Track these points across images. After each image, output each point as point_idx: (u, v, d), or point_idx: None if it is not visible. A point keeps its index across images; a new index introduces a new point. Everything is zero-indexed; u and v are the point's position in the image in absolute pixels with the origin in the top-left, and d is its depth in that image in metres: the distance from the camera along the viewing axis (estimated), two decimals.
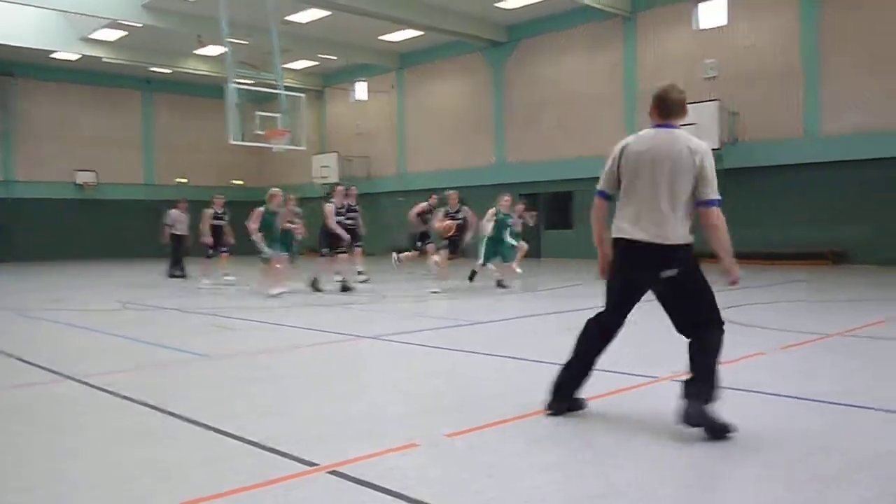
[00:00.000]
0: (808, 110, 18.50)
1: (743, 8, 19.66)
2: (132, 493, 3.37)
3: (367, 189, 27.01)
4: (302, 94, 22.15)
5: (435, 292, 12.61)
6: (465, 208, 13.90)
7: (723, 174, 17.44)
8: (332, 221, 13.14)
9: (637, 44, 21.77)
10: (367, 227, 15.52)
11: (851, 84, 17.74)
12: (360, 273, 14.61)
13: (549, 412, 4.48)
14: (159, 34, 24.62)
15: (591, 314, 4.67)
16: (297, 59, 28.95)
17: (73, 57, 27.25)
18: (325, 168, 29.58)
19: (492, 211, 13.63)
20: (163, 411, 4.79)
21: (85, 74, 29.83)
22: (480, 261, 13.52)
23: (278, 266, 12.55)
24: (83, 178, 30.23)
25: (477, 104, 26.22)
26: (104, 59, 26.90)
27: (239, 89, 18.63)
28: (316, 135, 31.50)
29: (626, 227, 4.29)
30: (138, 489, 3.41)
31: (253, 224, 12.56)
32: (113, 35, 25.43)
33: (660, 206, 4.17)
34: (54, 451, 4.03)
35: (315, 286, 13.11)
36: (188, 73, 29.36)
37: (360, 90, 30.83)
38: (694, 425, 3.98)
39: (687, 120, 17.21)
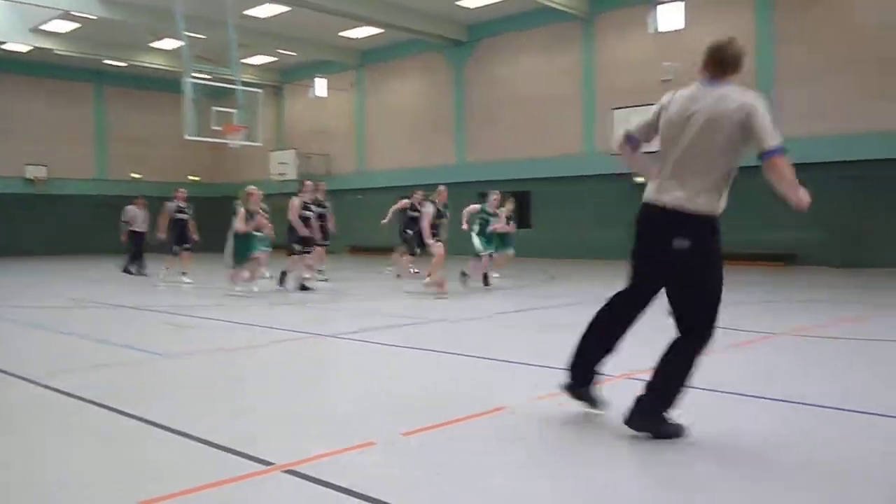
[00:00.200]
0: None
1: (700, 11, 19.95)
2: (84, 494, 3.31)
3: (326, 186, 26.81)
4: (260, 90, 21.94)
5: (424, 285, 12.41)
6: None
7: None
8: (294, 215, 12.93)
9: (595, 46, 21.99)
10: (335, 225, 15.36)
11: (806, 88, 18.12)
12: (319, 272, 14.51)
13: (567, 393, 4.39)
14: (113, 26, 24.15)
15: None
16: (255, 55, 28.64)
17: (24, 48, 26.60)
18: (283, 165, 29.32)
19: (476, 207, 13.75)
20: (116, 411, 4.71)
21: (36, 66, 29.11)
22: (481, 250, 13.34)
23: (255, 263, 12.39)
24: (33, 172, 29.52)
25: (437, 103, 26.23)
26: (56, 52, 26.30)
27: (195, 84, 18.37)
28: (274, 131, 31.22)
29: (650, 189, 4.07)
30: (90, 490, 3.35)
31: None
32: (65, 27, 24.87)
33: (688, 168, 3.89)
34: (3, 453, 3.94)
35: (303, 286, 12.81)
36: (143, 66, 28.85)
37: (320, 87, 30.59)
38: (637, 430, 3.93)
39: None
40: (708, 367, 6.07)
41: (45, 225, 29.42)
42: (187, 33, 19.08)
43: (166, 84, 29.43)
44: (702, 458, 3.73)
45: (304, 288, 12.67)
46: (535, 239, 22.58)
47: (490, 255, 13.44)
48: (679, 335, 4.06)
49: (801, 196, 3.85)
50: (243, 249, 12.23)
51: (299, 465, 3.55)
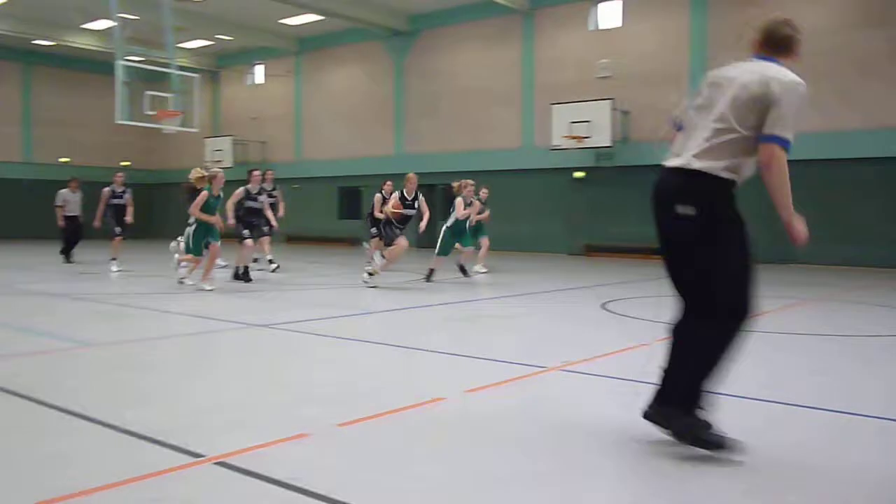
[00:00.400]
0: None
1: (637, 11, 20.31)
2: (1, 488, 3.19)
3: (274, 174, 26.43)
4: (196, 75, 21.44)
5: (369, 284, 11.60)
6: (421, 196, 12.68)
7: (614, 171, 17.87)
8: (231, 203, 12.55)
9: (535, 41, 22.17)
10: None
11: None
12: (270, 262, 14.18)
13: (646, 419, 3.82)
14: (43, 5, 23.29)
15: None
16: (191, 39, 28.00)
17: None
18: (219, 152, 28.76)
19: (460, 200, 13.24)
20: (38, 402, 4.56)
21: None
22: (437, 253, 12.99)
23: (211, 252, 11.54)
24: None
25: (377, 93, 26.09)
26: None
27: (128, 67, 17.85)
28: (210, 117, 30.60)
29: (668, 155, 3.75)
30: (6, 485, 3.23)
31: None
32: None
33: (705, 129, 3.58)
34: None
35: (244, 275, 12.29)
36: (74, 46, 27.89)
37: (258, 73, 30.14)
38: (652, 421, 3.69)
39: (582, 117, 17.52)
40: (645, 361, 6.21)
41: None
42: (121, 14, 18.52)
43: (98, 66, 28.59)
44: (640, 448, 3.80)
45: (238, 277, 12.41)
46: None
47: (465, 247, 13.27)
48: (682, 321, 3.68)
49: (798, 227, 3.57)
50: (201, 237, 11.17)
51: (231, 457, 3.50)
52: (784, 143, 3.45)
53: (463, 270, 13.41)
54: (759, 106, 3.47)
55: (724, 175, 3.53)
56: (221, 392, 5.00)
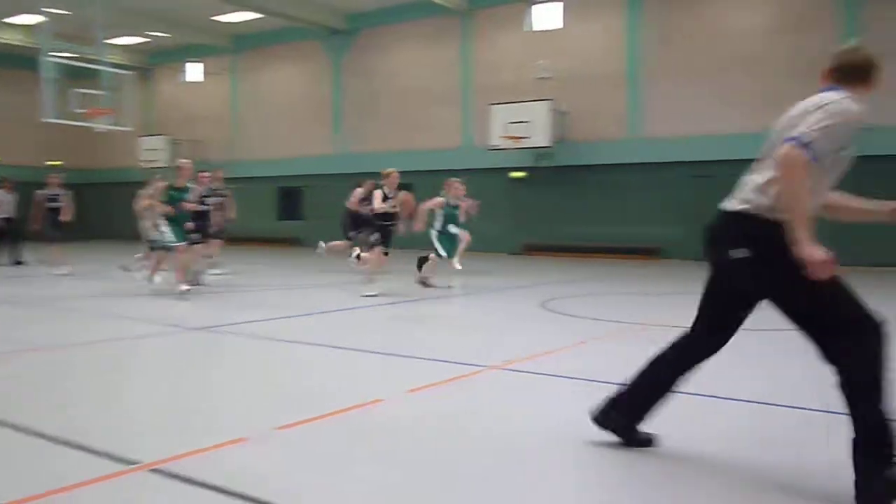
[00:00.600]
0: (632, 113, 19.68)
1: (576, 12, 20.58)
2: None
3: (223, 174, 25.97)
4: (128, 72, 20.92)
5: (370, 296, 10.36)
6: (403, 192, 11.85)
7: (553, 171, 17.98)
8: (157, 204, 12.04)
9: (474, 41, 22.26)
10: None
11: (672, 90, 19.00)
12: (212, 266, 13.80)
13: (596, 424, 3.75)
14: None
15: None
16: (123, 35, 27.28)
17: None
18: (153, 151, 28.11)
19: (440, 200, 12.12)
20: None
21: None
22: (443, 254, 11.93)
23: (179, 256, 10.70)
24: None
25: (316, 92, 25.85)
26: None
27: (55, 63, 17.31)
28: (143, 116, 29.87)
29: None
30: None
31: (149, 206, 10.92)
32: None
33: (759, 170, 3.37)
34: None
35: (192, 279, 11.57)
36: None
37: (192, 71, 29.54)
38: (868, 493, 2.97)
39: (521, 118, 17.50)
40: (583, 359, 6.30)
41: None
42: (48, 9, 17.95)
43: (23, 62, 27.57)
44: (575, 447, 3.85)
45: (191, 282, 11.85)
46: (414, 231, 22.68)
47: (443, 257, 11.98)
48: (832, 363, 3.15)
49: (808, 252, 2.99)
50: (180, 229, 10.37)
51: (166, 463, 3.42)
52: (801, 143, 3.03)
53: (425, 282, 12.03)
54: (796, 122, 3.19)
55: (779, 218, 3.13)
56: (157, 396, 4.88)
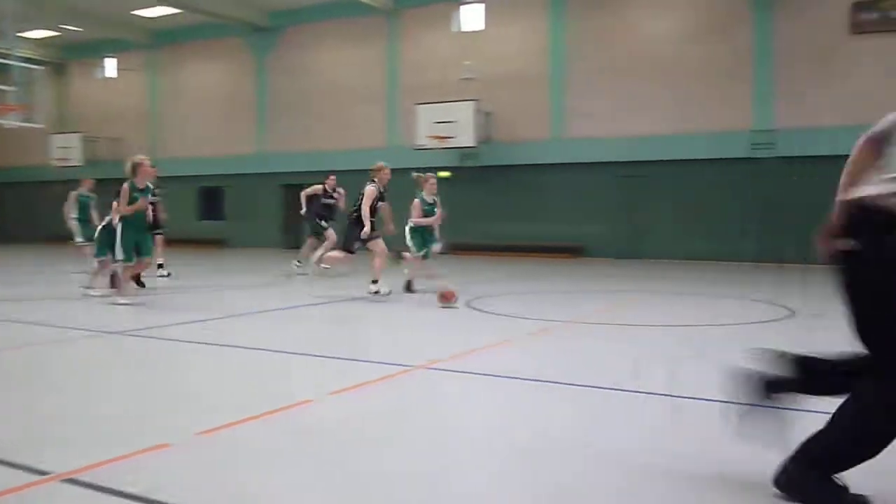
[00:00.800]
0: (554, 114, 20.00)
1: (499, 14, 20.79)
2: None
3: (117, 174, 25.18)
4: (40, 67, 20.12)
5: (376, 293, 9.99)
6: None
7: (478, 171, 18.12)
8: (66, 206, 11.42)
9: (401, 40, 22.25)
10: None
11: (593, 92, 19.39)
12: (159, 266, 13.25)
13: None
14: None
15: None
16: (35, 28, 26.23)
17: None
18: (66, 149, 27.12)
19: (417, 202, 11.39)
20: None
21: None
22: (419, 253, 11.20)
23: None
24: None
25: (238, 90, 25.39)
26: None
27: None
28: (56, 112, 28.78)
29: None
30: None
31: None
32: None
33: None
34: None
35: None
36: None
37: (109, 67, 28.62)
38: (781, 490, 3.04)
39: (446, 118, 17.41)
40: (508, 357, 6.37)
41: None
42: None
43: None
44: (498, 442, 3.89)
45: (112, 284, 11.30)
46: (340, 231, 22.52)
47: (424, 257, 11.31)
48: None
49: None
50: (132, 240, 9.49)
51: (81, 472, 3.30)
52: (867, 136, 2.91)
53: (408, 285, 11.33)
54: None
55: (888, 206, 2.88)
56: (71, 404, 4.72)
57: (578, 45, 19.69)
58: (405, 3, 21.97)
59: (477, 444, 3.89)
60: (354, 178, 23.55)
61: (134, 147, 27.28)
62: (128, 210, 9.45)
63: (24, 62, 18.77)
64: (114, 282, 10.45)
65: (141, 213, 9.67)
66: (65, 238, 13.41)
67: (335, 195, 14.01)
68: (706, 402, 4.65)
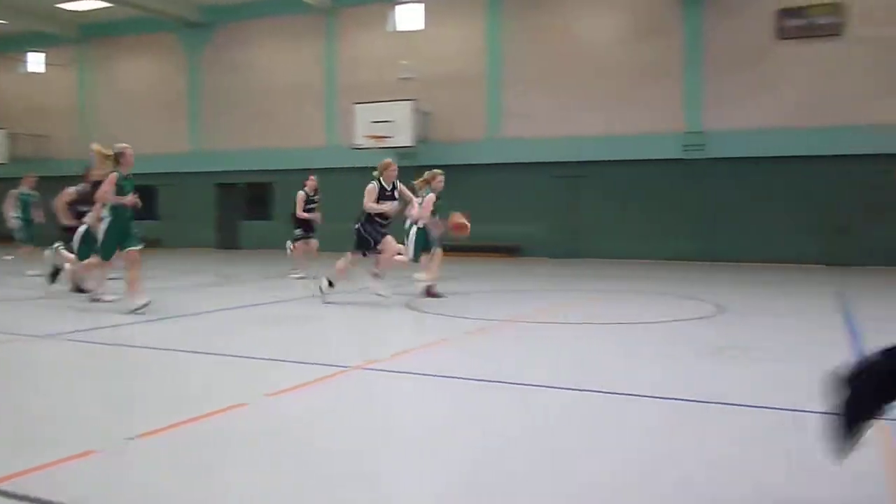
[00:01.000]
0: (492, 114, 20.13)
1: (437, 14, 20.82)
2: None
3: (44, 171, 24.35)
4: None
5: (381, 295, 9.60)
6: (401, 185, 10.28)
7: (415, 171, 18.21)
8: (63, 203, 10.81)
9: (338, 39, 22.10)
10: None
11: (530, 92, 19.59)
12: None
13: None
14: None
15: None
16: None
17: None
18: None
19: (431, 197, 10.61)
20: None
21: None
22: (410, 255, 10.48)
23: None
24: None
25: (172, 87, 24.84)
26: None
27: None
28: None
29: None
30: None
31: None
32: None
33: None
34: None
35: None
36: None
37: (34, 61, 27.68)
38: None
39: (384, 117, 17.25)
40: (446, 356, 6.38)
41: None
42: None
43: None
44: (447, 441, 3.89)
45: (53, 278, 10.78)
46: (276, 232, 22.29)
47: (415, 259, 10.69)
48: None
49: None
50: (116, 237, 8.89)
51: (5, 481, 3.18)
52: None
53: (431, 292, 10.47)
54: None
55: None
56: None
57: (515, 45, 19.87)
58: (343, 2, 21.83)
59: (416, 444, 3.88)
60: (295, 179, 23.40)
61: (62, 144, 26.59)
62: (118, 200, 8.84)
63: None
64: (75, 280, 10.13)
65: (129, 207, 9.07)
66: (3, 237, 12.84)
67: (316, 198, 13.39)
68: (646, 398, 4.75)
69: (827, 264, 16.29)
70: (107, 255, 8.95)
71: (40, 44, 26.99)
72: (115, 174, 9.06)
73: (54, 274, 10.83)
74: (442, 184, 10.87)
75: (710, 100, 17.95)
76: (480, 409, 4.61)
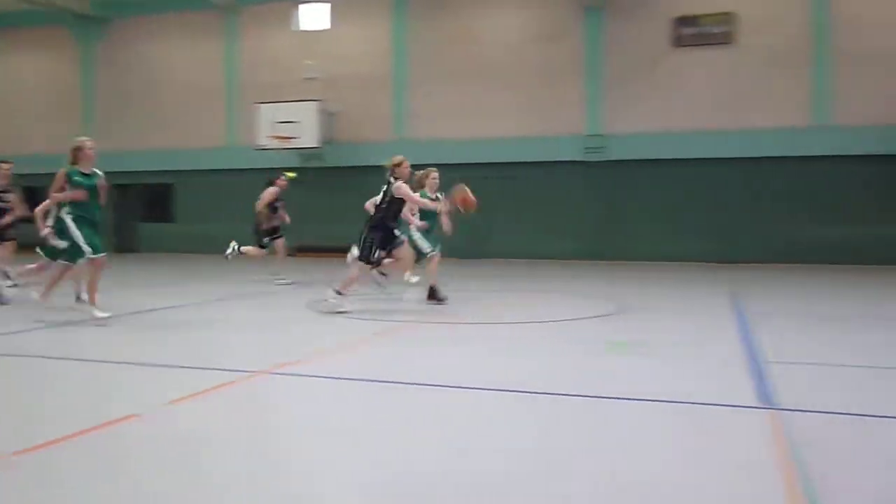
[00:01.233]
0: (397, 115, 20.13)
1: (343, 14, 20.65)
2: None
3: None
4: None
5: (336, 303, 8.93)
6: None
7: (323, 172, 17.99)
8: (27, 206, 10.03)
9: (240, 38, 21.63)
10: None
11: (435, 93, 19.67)
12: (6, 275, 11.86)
13: None
14: None
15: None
16: None
17: None
18: None
19: (437, 202, 10.66)
20: None
21: None
22: (428, 249, 10.53)
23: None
24: None
25: (62, 83, 23.75)
26: None
27: None
28: None
29: None
30: None
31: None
32: None
33: None
34: None
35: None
36: None
37: None
38: None
39: (289, 118, 17.11)
40: (350, 359, 6.32)
41: None
42: None
43: None
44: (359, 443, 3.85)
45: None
46: (178, 234, 21.68)
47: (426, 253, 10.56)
48: None
49: None
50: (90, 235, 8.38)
51: None
52: None
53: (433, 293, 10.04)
54: None
55: None
56: None
57: (421, 47, 19.92)
58: (246, 0, 21.39)
59: (315, 450, 3.83)
60: (197, 180, 22.67)
61: None
62: (66, 197, 8.42)
63: None
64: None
65: (92, 204, 8.60)
66: None
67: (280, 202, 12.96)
68: (558, 396, 4.83)
69: (718, 262, 17.00)
70: (96, 251, 8.39)
71: None
72: (64, 170, 8.82)
73: None
74: (436, 181, 11.07)
75: (610, 103, 18.45)
76: (388, 410, 4.58)
